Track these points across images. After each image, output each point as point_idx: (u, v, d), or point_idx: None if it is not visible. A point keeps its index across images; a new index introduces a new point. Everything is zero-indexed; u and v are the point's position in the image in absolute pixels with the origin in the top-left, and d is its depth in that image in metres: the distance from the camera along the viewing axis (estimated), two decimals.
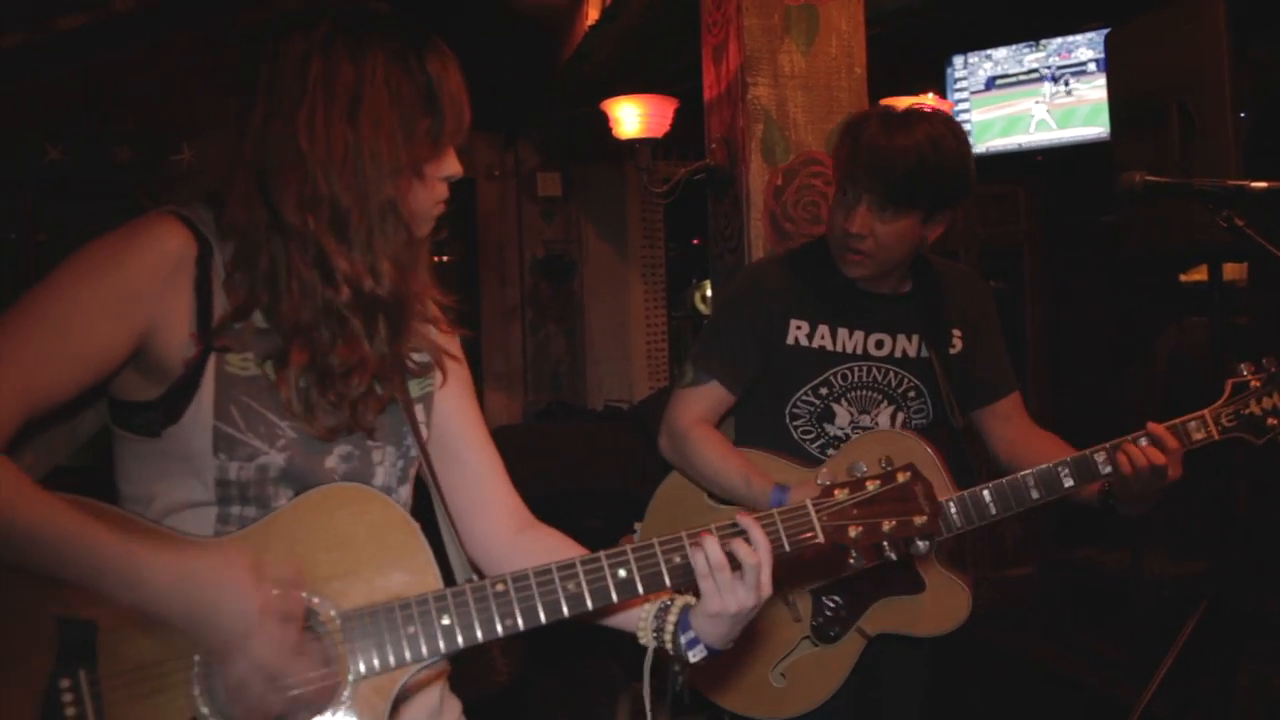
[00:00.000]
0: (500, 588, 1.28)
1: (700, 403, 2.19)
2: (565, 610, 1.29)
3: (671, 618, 1.38)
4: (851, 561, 1.37)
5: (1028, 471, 1.99)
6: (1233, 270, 4.08)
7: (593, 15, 4.40)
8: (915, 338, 2.19)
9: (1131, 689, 2.94)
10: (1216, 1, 2.74)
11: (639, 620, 1.41)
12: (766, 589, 1.32)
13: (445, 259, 6.91)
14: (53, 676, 1.19)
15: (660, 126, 3.19)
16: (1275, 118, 3.71)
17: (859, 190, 2.04)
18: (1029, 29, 5.14)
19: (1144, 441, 1.95)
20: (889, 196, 2.02)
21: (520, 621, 1.27)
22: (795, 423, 2.21)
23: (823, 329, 2.17)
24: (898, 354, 2.19)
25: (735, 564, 1.31)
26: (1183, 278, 4.46)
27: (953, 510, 2.00)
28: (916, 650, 2.23)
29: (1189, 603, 2.81)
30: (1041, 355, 5.14)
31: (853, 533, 1.36)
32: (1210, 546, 3.06)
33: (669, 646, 1.39)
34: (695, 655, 1.36)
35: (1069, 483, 1.98)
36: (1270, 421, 1.98)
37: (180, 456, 1.28)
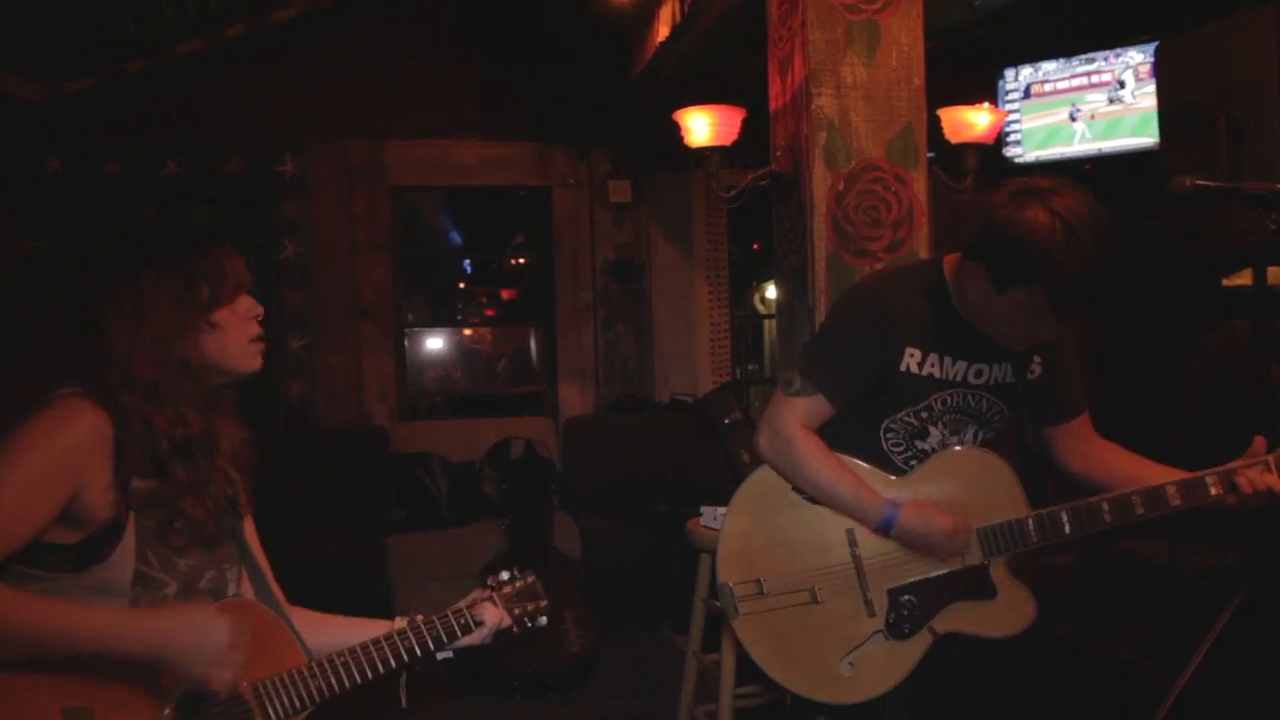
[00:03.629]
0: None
1: (804, 413, 2.23)
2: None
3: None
4: (515, 630, 2.07)
5: (1132, 490, 2.18)
6: (1277, 274, 4.11)
7: (663, 33, 4.59)
8: (1006, 365, 2.27)
9: (1167, 670, 2.96)
10: (1267, 14, 2.79)
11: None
12: (489, 639, 2.00)
13: (524, 261, 7.19)
14: None
15: (729, 135, 3.26)
16: None
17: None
18: (1080, 43, 5.20)
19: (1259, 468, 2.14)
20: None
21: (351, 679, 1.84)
22: (888, 436, 2.28)
23: (933, 358, 2.22)
24: (992, 381, 2.27)
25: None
26: (1225, 281, 4.44)
27: (1030, 527, 2.19)
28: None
29: (1229, 593, 2.84)
30: (1082, 358, 5.11)
31: (517, 612, 2.05)
32: (1250, 537, 3.11)
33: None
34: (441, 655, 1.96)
35: (1177, 502, 2.17)
36: None
37: (98, 589, 1.65)
